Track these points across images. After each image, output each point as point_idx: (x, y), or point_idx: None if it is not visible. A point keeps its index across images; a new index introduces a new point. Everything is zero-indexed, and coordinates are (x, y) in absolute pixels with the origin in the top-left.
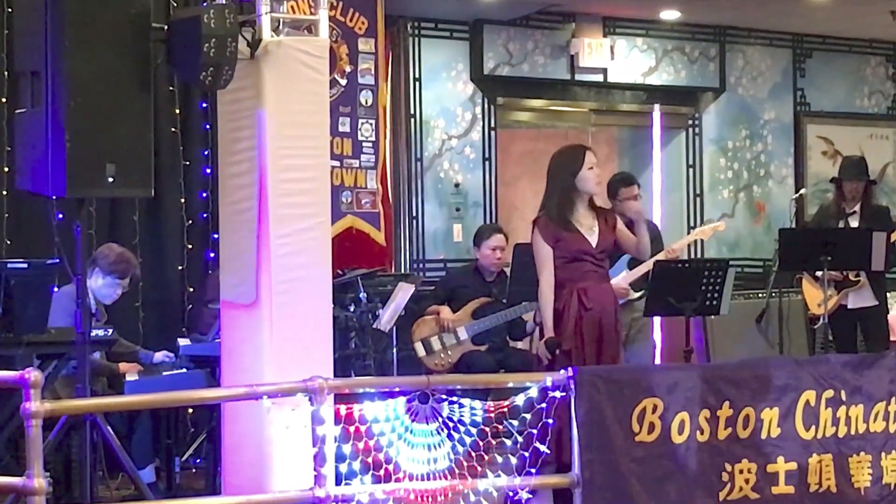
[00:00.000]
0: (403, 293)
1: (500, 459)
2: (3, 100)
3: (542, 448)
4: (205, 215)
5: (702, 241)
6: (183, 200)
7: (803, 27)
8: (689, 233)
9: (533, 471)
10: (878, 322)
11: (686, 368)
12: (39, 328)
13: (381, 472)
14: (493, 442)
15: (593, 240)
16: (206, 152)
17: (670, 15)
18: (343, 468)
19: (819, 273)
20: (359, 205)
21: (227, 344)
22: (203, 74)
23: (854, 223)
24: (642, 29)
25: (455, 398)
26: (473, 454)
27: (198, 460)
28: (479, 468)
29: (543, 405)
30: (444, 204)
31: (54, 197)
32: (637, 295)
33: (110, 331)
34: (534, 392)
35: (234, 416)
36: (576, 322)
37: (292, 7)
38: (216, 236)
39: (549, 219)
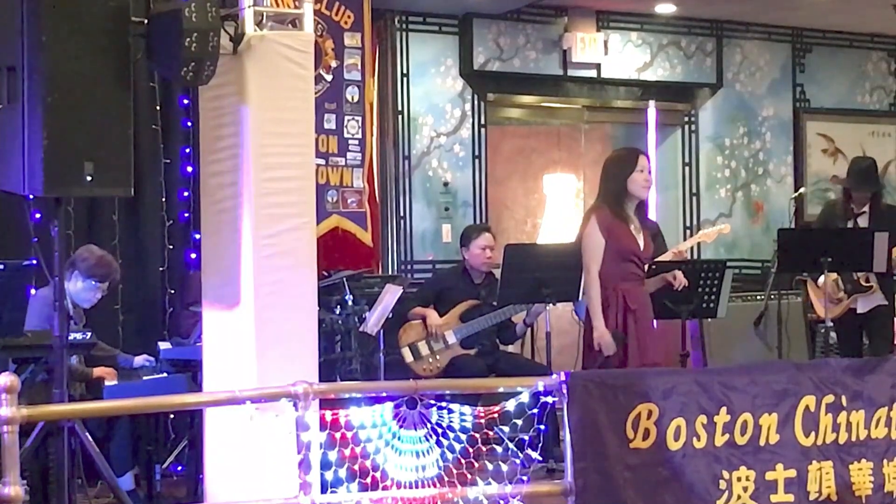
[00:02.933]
0: (391, 295)
1: (490, 467)
2: None
3: (534, 455)
4: (186, 215)
5: (700, 243)
6: (163, 200)
7: (803, 21)
8: (684, 233)
9: (525, 478)
10: (883, 322)
11: (682, 373)
12: (16, 331)
13: (368, 480)
14: (484, 448)
15: (641, 242)
16: (187, 150)
17: (666, 8)
18: (329, 476)
19: (824, 275)
20: (345, 204)
21: (208, 348)
22: (184, 70)
23: (863, 224)
24: (637, 23)
25: (444, 403)
26: (463, 461)
27: (179, 467)
28: (468, 476)
29: (535, 411)
30: (432, 203)
31: (31, 196)
32: None
33: (89, 334)
34: (525, 397)
35: (216, 422)
36: (621, 322)
37: (276, 1)
38: (198, 236)
39: (608, 209)
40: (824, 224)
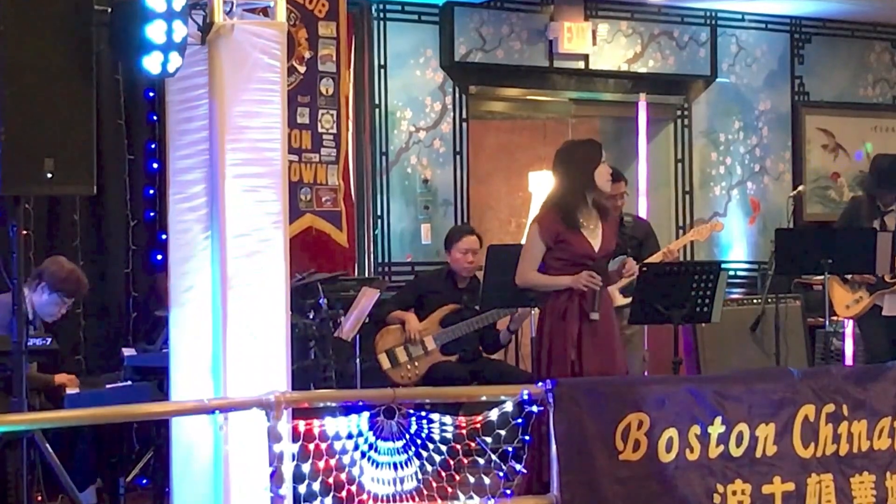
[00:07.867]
0: (367, 299)
1: (472, 479)
2: None
3: (518, 467)
4: (152, 214)
5: (692, 242)
6: (128, 198)
7: (801, 10)
8: (677, 233)
9: (508, 492)
10: None
11: (674, 381)
12: None
13: (344, 494)
14: (465, 460)
15: (596, 243)
16: (152, 145)
17: None
18: (302, 489)
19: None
20: (319, 203)
21: (175, 354)
22: (149, 61)
23: (891, 222)
24: (627, 12)
25: (423, 413)
26: (443, 473)
27: (144, 481)
28: (449, 489)
29: (520, 420)
30: (411, 202)
31: None
32: (625, 301)
33: (49, 340)
34: (509, 406)
35: (183, 433)
36: (576, 330)
37: None
38: (164, 237)
39: (556, 217)
40: (849, 223)
